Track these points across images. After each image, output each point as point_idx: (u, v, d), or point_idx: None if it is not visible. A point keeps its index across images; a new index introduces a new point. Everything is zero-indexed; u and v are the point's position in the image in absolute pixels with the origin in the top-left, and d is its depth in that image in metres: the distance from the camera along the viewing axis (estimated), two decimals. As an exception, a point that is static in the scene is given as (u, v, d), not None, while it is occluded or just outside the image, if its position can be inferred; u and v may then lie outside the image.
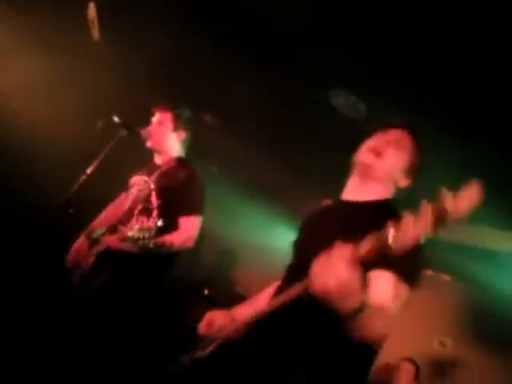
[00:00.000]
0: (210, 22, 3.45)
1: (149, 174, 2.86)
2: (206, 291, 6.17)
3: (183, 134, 3.02)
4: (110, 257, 2.60)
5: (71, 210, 2.58)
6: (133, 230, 2.29)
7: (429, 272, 5.41)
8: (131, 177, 3.00)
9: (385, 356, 4.86)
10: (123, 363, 2.77)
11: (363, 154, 1.84)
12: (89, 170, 2.68)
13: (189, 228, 2.70)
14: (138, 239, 2.27)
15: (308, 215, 2.12)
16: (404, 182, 1.81)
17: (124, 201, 2.87)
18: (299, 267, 1.61)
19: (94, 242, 2.71)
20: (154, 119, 3.01)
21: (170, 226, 2.63)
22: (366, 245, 1.21)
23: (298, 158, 4.97)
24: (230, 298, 6.22)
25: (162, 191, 2.70)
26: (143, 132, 2.89)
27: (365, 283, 1.31)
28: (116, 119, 2.77)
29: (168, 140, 2.98)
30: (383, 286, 1.47)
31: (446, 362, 4.71)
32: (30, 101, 4.24)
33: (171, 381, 2.20)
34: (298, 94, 3.67)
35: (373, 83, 3.16)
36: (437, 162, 3.64)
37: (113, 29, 3.96)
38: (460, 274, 5.04)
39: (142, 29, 3.79)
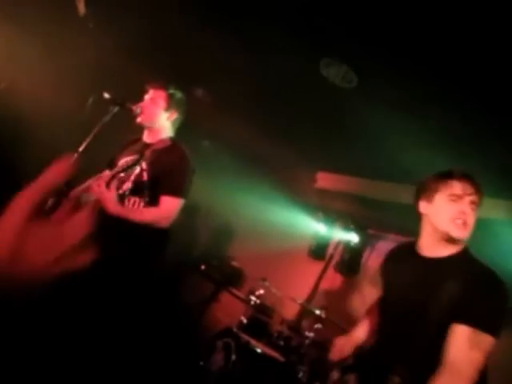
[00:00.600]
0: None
1: (139, 153, 2.85)
2: (202, 267, 6.22)
3: (174, 115, 3.02)
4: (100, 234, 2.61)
5: (64, 188, 2.58)
6: None
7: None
8: (118, 156, 2.99)
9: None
10: (120, 340, 2.81)
11: (448, 225, 2.07)
12: (81, 148, 2.66)
13: (167, 208, 2.71)
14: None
15: (391, 256, 2.59)
16: None
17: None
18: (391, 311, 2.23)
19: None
20: (147, 96, 2.99)
21: (156, 204, 2.69)
22: None
23: (291, 130, 4.96)
24: (227, 272, 6.30)
25: (153, 171, 2.70)
26: (135, 108, 2.87)
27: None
28: (106, 95, 2.74)
29: (159, 118, 2.97)
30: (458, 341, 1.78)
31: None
32: (17, 80, 4.19)
33: None
34: (290, 65, 3.64)
35: (364, 52, 3.14)
36: (425, 129, 3.67)
37: (99, 3, 3.90)
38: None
39: (128, 4, 3.73)
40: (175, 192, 2.73)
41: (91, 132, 2.70)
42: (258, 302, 4.83)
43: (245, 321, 4.82)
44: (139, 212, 2.67)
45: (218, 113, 5.26)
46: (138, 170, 2.74)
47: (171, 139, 2.97)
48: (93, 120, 2.71)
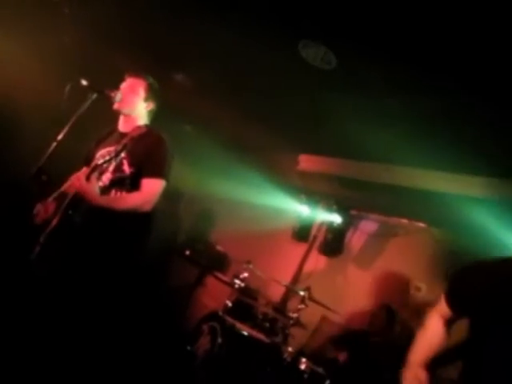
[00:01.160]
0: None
1: (117, 143, 2.83)
2: (187, 252, 6.24)
3: (152, 104, 3.02)
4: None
5: (44, 177, 2.56)
6: None
7: (404, 220, 5.57)
8: (95, 150, 2.96)
9: (363, 304, 5.08)
10: (108, 327, 2.83)
11: None
12: (60, 136, 2.64)
13: (149, 190, 2.70)
14: (104, 163, 2.55)
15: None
16: None
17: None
18: None
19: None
20: (126, 84, 2.97)
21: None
22: None
23: (273, 114, 4.96)
24: (211, 256, 6.33)
25: (132, 158, 2.69)
26: (113, 94, 2.84)
27: None
28: (84, 82, 2.71)
29: (138, 107, 2.96)
30: None
31: (422, 305, 4.90)
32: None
33: None
34: (270, 49, 3.62)
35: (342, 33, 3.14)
36: (402, 108, 3.71)
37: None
38: (435, 220, 5.19)
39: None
40: (155, 174, 2.73)
41: (69, 120, 2.68)
42: (242, 285, 4.88)
43: (230, 304, 4.87)
44: (122, 200, 2.67)
45: (198, 98, 5.23)
46: (117, 160, 2.72)
47: (147, 126, 2.95)
48: (71, 107, 2.69)
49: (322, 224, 6.28)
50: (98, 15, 4.06)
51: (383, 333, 4.41)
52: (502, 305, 1.83)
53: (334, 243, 5.96)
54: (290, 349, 4.27)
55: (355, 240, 5.99)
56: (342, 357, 4.30)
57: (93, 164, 2.66)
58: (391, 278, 5.29)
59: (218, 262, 6.48)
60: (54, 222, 2.58)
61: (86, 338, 2.64)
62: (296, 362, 4.09)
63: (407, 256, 5.31)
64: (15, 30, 4.01)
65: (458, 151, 3.86)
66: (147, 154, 2.74)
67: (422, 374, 2.04)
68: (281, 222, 6.42)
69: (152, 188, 2.72)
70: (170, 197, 6.40)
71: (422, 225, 5.42)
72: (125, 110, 2.92)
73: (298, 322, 4.54)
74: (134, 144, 2.74)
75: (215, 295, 5.84)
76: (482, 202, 4.15)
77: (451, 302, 2.12)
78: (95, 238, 2.64)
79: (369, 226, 5.96)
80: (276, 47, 3.63)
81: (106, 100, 2.83)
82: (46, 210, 2.79)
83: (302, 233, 6.36)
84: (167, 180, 2.78)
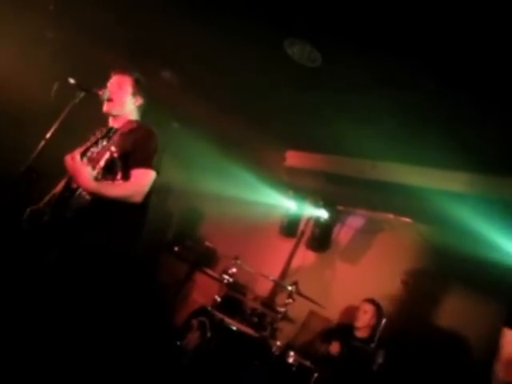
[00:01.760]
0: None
1: (108, 139, 2.85)
2: (176, 248, 6.28)
3: (140, 100, 3.02)
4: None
5: (34, 175, 2.57)
6: None
7: (390, 215, 5.64)
8: (87, 148, 2.97)
9: (350, 299, 5.15)
10: (96, 321, 2.86)
11: None
12: (48, 135, 2.65)
13: (138, 180, 2.68)
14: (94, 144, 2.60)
15: None
16: None
17: None
18: None
19: None
20: (112, 82, 2.97)
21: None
22: None
23: (260, 111, 5.00)
24: (200, 252, 6.37)
25: (122, 153, 2.70)
26: (101, 93, 2.85)
27: None
28: (71, 81, 2.71)
29: (127, 104, 2.96)
30: None
31: (409, 298, 4.98)
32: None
33: None
34: (257, 42, 3.65)
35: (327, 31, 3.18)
36: (387, 105, 3.77)
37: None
38: (420, 215, 5.27)
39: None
40: (144, 164, 2.72)
41: (57, 118, 2.69)
42: (231, 280, 4.93)
43: (219, 299, 4.92)
44: (112, 187, 2.65)
45: (186, 95, 5.25)
46: (107, 154, 2.73)
47: (137, 121, 2.97)
48: (59, 106, 2.70)
49: (309, 219, 6.34)
50: (84, 12, 4.06)
51: (370, 327, 4.48)
52: None
53: (321, 238, 6.02)
54: (278, 343, 4.34)
55: (342, 235, 6.06)
56: (334, 348, 4.36)
57: (84, 147, 2.67)
58: (378, 272, 5.36)
59: (206, 258, 6.53)
60: (46, 217, 2.61)
61: (77, 334, 2.67)
62: (284, 355, 4.16)
63: (394, 251, 5.39)
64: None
65: (442, 147, 3.93)
66: (137, 145, 2.73)
67: None
68: (269, 218, 6.47)
69: (142, 178, 2.70)
70: (158, 193, 6.45)
71: (407, 220, 5.50)
72: (114, 111, 2.92)
73: (286, 317, 4.61)
74: (124, 138, 2.76)
75: (204, 291, 5.88)
76: (465, 198, 4.23)
77: None
78: (87, 233, 2.65)
79: (356, 221, 6.03)
80: (262, 45, 3.67)
81: (94, 98, 2.84)
82: (35, 213, 2.79)
83: (290, 228, 6.42)
84: (158, 172, 2.78)
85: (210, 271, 5.74)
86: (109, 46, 4.43)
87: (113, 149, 2.63)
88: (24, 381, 2.44)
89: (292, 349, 4.28)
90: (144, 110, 3.08)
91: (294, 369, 4.04)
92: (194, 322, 4.49)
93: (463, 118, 3.49)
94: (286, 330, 5.23)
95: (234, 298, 5.33)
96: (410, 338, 4.50)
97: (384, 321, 4.09)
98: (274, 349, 4.24)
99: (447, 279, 4.87)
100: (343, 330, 4.71)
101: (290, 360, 4.10)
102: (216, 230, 6.91)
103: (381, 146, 4.36)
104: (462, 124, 3.57)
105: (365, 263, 5.62)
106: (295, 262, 6.22)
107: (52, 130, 2.66)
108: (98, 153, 2.66)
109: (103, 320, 2.99)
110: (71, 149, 2.95)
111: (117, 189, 2.65)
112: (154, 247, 6.56)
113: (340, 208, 6.11)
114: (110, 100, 2.87)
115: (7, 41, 4.20)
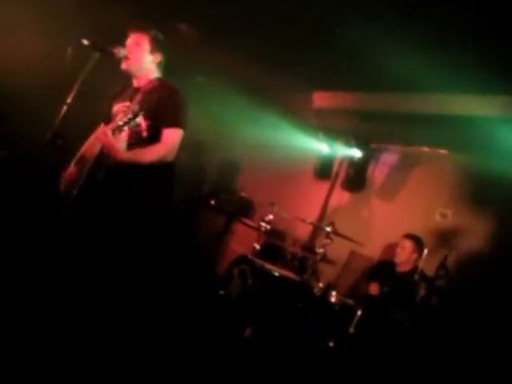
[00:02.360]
0: None
1: (131, 99, 2.83)
2: (212, 202, 6.34)
3: (159, 57, 2.97)
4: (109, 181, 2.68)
5: (60, 142, 2.60)
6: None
7: (425, 149, 5.50)
8: (111, 106, 2.98)
9: (390, 236, 5.12)
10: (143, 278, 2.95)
11: None
12: (69, 99, 2.66)
13: (169, 140, 2.72)
14: (124, 124, 2.53)
15: None
16: None
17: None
18: None
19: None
20: (130, 40, 2.93)
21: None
22: None
23: (282, 55, 4.86)
24: (236, 203, 6.42)
25: (147, 111, 2.69)
26: (117, 51, 2.81)
27: None
28: (85, 42, 2.69)
29: (145, 62, 2.92)
30: None
31: (449, 232, 4.91)
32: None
33: None
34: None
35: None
36: (414, 34, 3.58)
37: None
38: (456, 145, 5.11)
39: None
40: (172, 123, 2.74)
41: (76, 81, 2.68)
42: (268, 227, 4.96)
43: (258, 247, 4.98)
44: (145, 152, 2.69)
45: (206, 47, 5.15)
46: (132, 114, 2.73)
47: (159, 79, 2.94)
48: (76, 69, 2.69)
49: (342, 160, 6.26)
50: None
51: (411, 262, 4.46)
52: None
53: (356, 178, 5.94)
54: (320, 284, 4.38)
55: (377, 173, 5.96)
56: (373, 289, 4.39)
57: (113, 125, 2.68)
58: (416, 207, 5.29)
59: (243, 208, 6.57)
60: (81, 182, 2.66)
61: (121, 291, 2.76)
62: (326, 296, 4.20)
63: (431, 184, 5.28)
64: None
65: (477, 71, 3.73)
66: (162, 106, 2.74)
67: None
68: (302, 162, 6.41)
69: (172, 138, 2.74)
70: (192, 149, 6.48)
71: (443, 151, 5.34)
72: (133, 69, 2.90)
73: (325, 258, 4.63)
74: (148, 98, 2.75)
75: (243, 240, 5.96)
76: (505, 122, 4.06)
77: None
78: (121, 194, 2.70)
79: (390, 157, 5.91)
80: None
81: (111, 57, 2.81)
82: (69, 176, 2.86)
83: (324, 170, 6.36)
84: (184, 129, 2.79)
85: (247, 221, 5.79)
86: (122, 4, 4.34)
87: (136, 108, 2.63)
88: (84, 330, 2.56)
89: (334, 289, 4.32)
90: (165, 67, 3.04)
91: (336, 308, 4.09)
92: (235, 271, 4.58)
93: (498, 39, 3.30)
94: (328, 272, 5.28)
95: (273, 245, 5.39)
96: (452, 270, 4.46)
97: (426, 252, 4.01)
98: (315, 290, 4.29)
99: (487, 208, 4.75)
100: (385, 266, 4.71)
101: (333, 299, 4.15)
102: (250, 180, 6.93)
103: (412, 76, 4.19)
104: (497, 45, 3.37)
105: (402, 199, 5.54)
106: (332, 204, 6.19)
107: (72, 94, 2.66)
108: (127, 123, 2.66)
109: (151, 277, 3.08)
110: (94, 111, 2.97)
111: (150, 153, 2.68)
112: (191, 203, 6.64)
113: (373, 146, 5.98)
114: (127, 58, 2.84)
115: (23, 7, 4.16)
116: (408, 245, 4.49)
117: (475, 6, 2.97)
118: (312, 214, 5.99)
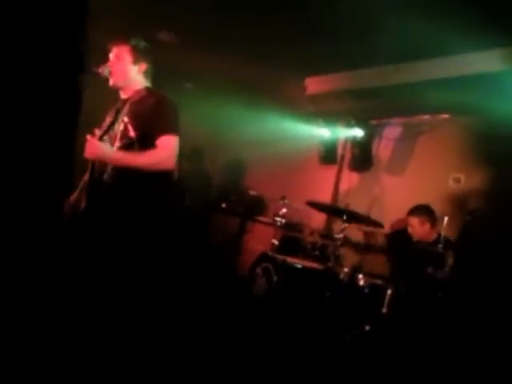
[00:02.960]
0: None
1: (118, 111, 2.80)
2: (223, 205, 6.31)
3: (144, 66, 2.91)
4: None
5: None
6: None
7: (426, 116, 5.42)
8: (104, 130, 2.94)
9: (404, 210, 5.04)
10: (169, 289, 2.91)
11: None
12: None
13: (165, 146, 2.63)
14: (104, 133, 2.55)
15: None
16: None
17: None
18: None
19: None
20: (111, 55, 2.89)
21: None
22: None
23: (268, 47, 4.82)
24: (247, 202, 6.38)
25: (136, 122, 2.64)
26: (101, 70, 2.77)
27: None
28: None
29: (130, 74, 2.87)
30: None
31: (463, 196, 4.83)
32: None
33: None
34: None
35: None
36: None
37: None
38: (458, 108, 5.02)
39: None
40: (166, 130, 2.65)
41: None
42: (283, 221, 4.92)
43: (276, 243, 4.94)
44: (144, 155, 2.62)
45: (189, 51, 5.11)
46: (121, 126, 2.69)
47: (146, 88, 2.90)
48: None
49: (346, 142, 6.20)
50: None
51: (426, 236, 4.37)
52: None
53: (362, 157, 5.88)
54: (345, 269, 4.32)
55: (382, 149, 5.89)
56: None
57: (99, 133, 2.65)
58: (427, 176, 5.21)
59: (255, 207, 6.53)
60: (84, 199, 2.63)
61: (150, 298, 2.72)
62: (354, 280, 4.15)
63: (438, 151, 5.20)
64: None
65: (469, 27, 3.63)
66: (152, 114, 2.67)
67: None
68: (306, 151, 6.36)
69: (168, 143, 2.65)
70: (190, 156, 6.44)
71: (445, 116, 5.26)
72: (120, 84, 2.86)
73: (346, 242, 4.58)
74: (136, 107, 2.70)
75: (261, 238, 5.92)
76: (505, 75, 3.98)
77: None
78: (127, 202, 2.65)
79: (392, 131, 5.84)
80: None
81: (97, 77, 2.77)
82: (73, 201, 2.82)
83: (329, 155, 6.30)
84: (178, 135, 2.73)
85: (261, 218, 5.76)
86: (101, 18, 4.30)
87: (125, 119, 2.59)
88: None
89: (360, 272, 4.26)
90: (152, 75, 2.98)
91: (366, 290, 4.04)
92: (258, 270, 4.54)
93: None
94: (350, 256, 5.22)
95: (291, 238, 5.34)
96: (475, 234, 4.37)
97: (446, 220, 3.89)
98: (341, 276, 4.23)
99: (499, 166, 4.65)
100: (400, 235, 4.63)
101: (361, 282, 4.09)
102: (257, 177, 6.88)
103: (400, 45, 4.12)
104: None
105: (412, 171, 5.46)
106: (342, 187, 6.14)
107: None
108: (112, 130, 2.61)
109: (173, 286, 3.04)
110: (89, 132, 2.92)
111: (148, 156, 2.61)
112: (202, 210, 6.62)
113: (373, 122, 5.91)
114: (111, 74, 2.80)
115: None
116: (414, 221, 4.39)
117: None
118: (323, 200, 5.93)
